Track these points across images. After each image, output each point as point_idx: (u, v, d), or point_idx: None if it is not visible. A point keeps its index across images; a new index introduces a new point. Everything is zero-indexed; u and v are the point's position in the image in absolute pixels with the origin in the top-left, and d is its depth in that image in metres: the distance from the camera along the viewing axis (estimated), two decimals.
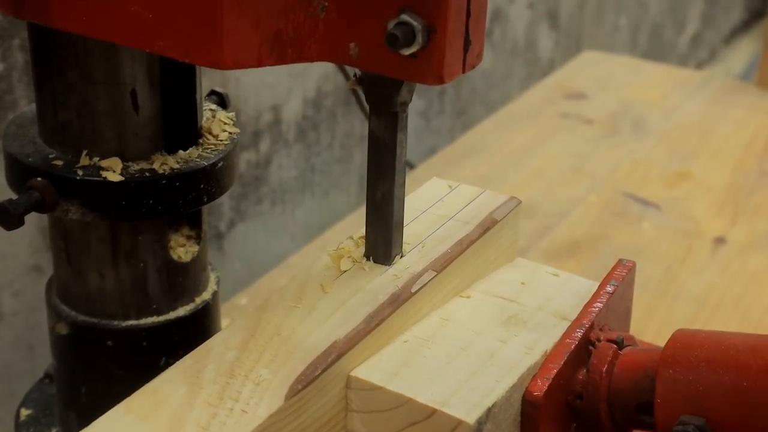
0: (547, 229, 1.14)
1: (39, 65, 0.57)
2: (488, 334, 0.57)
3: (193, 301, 0.63)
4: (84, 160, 0.57)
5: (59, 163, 0.57)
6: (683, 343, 0.55)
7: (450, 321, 0.58)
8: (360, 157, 1.43)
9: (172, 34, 0.49)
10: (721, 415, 0.52)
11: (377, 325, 0.54)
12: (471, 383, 0.53)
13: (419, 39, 0.48)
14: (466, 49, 0.50)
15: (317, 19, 0.50)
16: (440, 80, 0.49)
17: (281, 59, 0.50)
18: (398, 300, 0.56)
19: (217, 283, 0.65)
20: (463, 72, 0.50)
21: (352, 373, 0.53)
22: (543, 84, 1.55)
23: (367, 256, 0.59)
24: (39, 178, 0.56)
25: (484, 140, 1.36)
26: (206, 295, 0.64)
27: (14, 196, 0.56)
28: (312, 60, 0.50)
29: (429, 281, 0.58)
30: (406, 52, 0.48)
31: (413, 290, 0.57)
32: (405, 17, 0.48)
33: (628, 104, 1.47)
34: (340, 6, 0.50)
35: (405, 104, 0.54)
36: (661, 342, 0.93)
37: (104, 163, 0.57)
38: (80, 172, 0.56)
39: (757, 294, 1.02)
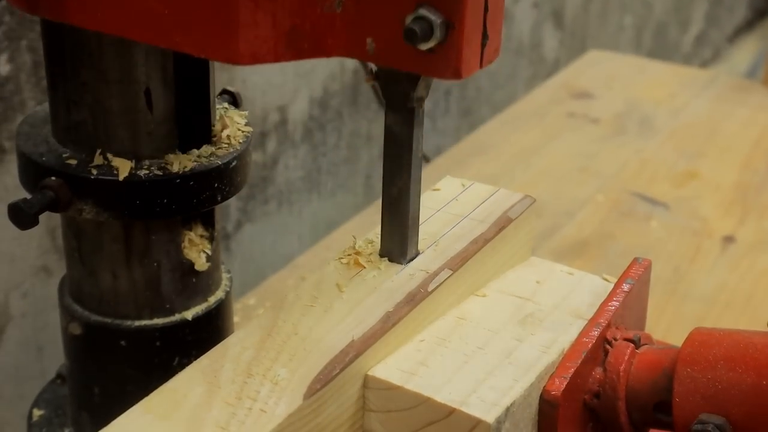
0: (555, 228, 1.14)
1: (53, 64, 0.57)
2: (505, 333, 0.57)
3: (206, 300, 0.63)
4: (98, 160, 0.56)
5: (73, 162, 0.57)
6: (701, 341, 0.55)
7: (466, 320, 0.58)
8: (366, 157, 1.43)
9: (188, 30, 0.49)
10: (740, 413, 0.52)
11: (394, 324, 0.54)
12: (489, 382, 0.52)
13: (437, 34, 0.47)
14: (483, 44, 0.49)
15: (334, 14, 0.49)
16: (458, 75, 0.48)
17: (298, 54, 0.49)
18: (415, 299, 0.55)
19: (230, 283, 0.65)
20: (481, 67, 0.50)
21: (370, 373, 0.53)
22: (549, 83, 1.55)
23: (382, 253, 0.58)
24: (53, 178, 0.56)
25: (491, 140, 1.36)
26: (219, 295, 0.64)
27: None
28: (329, 55, 0.50)
29: (445, 280, 0.57)
30: (424, 47, 0.48)
31: (429, 289, 0.56)
32: (423, 12, 0.47)
33: (634, 103, 1.46)
34: (357, 1, 0.49)
35: (421, 100, 0.54)
36: (671, 341, 0.93)
37: (114, 163, 0.57)
38: (94, 172, 0.56)
39: (767, 293, 1.02)
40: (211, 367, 0.51)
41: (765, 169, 1.28)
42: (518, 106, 1.47)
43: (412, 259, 0.58)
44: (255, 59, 0.48)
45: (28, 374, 0.99)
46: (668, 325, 0.97)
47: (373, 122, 1.42)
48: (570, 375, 0.54)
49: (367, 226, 0.63)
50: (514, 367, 0.54)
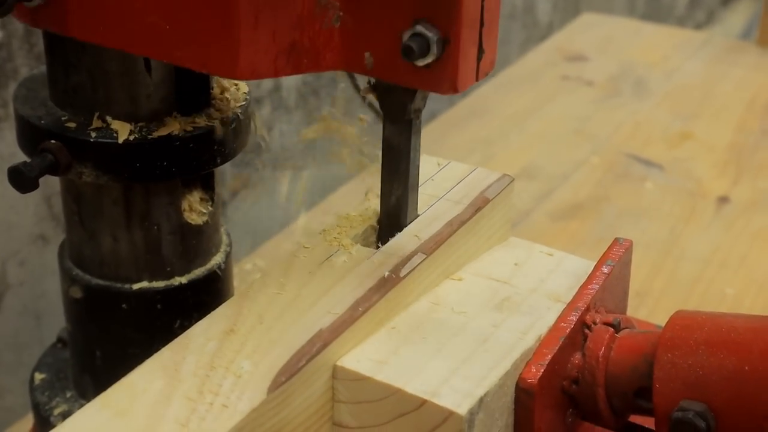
0: (551, 191, 1.14)
1: None
2: (480, 318, 0.55)
3: (206, 263, 0.63)
4: (97, 123, 0.56)
5: (72, 125, 0.56)
6: (682, 325, 0.53)
7: (441, 305, 0.56)
8: (358, 124, 1.43)
9: (190, 46, 0.50)
10: (721, 400, 0.50)
11: (364, 312, 0.52)
12: (462, 371, 0.51)
13: (434, 50, 0.48)
14: (479, 58, 0.50)
15: (332, 29, 0.50)
16: (455, 89, 0.49)
17: (297, 69, 0.50)
18: (386, 285, 0.53)
19: (230, 246, 0.65)
20: (477, 80, 0.50)
21: (339, 363, 0.51)
22: (543, 47, 1.55)
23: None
24: (52, 141, 0.55)
25: (485, 104, 1.36)
26: (219, 257, 0.64)
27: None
28: (327, 69, 0.51)
29: (419, 264, 0.55)
30: (421, 63, 0.49)
31: (402, 274, 0.54)
32: (420, 28, 0.48)
33: (628, 66, 1.46)
34: (355, 16, 0.50)
35: (419, 111, 0.55)
36: (666, 302, 0.94)
37: (113, 125, 0.56)
38: (93, 134, 0.56)
39: (762, 252, 1.03)
40: (173, 359, 0.49)
41: (759, 130, 1.28)
42: (512, 70, 1.47)
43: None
44: (255, 75, 0.49)
45: (26, 342, 1.00)
46: (664, 286, 0.97)
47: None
48: (547, 362, 0.52)
49: (362, 191, 0.62)
50: (489, 354, 0.52)
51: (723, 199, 1.12)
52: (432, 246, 0.57)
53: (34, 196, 0.95)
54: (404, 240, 0.57)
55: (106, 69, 0.56)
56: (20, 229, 0.95)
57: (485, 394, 0.50)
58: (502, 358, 0.52)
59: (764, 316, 0.52)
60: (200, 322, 0.52)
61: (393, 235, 0.57)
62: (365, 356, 0.51)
